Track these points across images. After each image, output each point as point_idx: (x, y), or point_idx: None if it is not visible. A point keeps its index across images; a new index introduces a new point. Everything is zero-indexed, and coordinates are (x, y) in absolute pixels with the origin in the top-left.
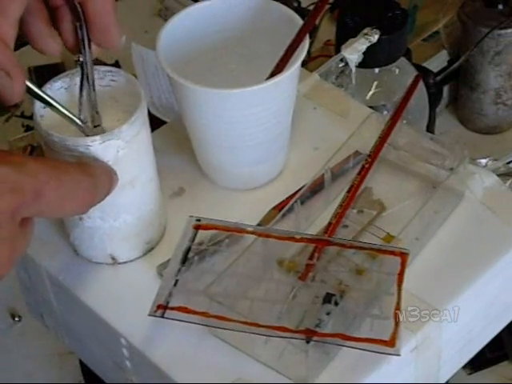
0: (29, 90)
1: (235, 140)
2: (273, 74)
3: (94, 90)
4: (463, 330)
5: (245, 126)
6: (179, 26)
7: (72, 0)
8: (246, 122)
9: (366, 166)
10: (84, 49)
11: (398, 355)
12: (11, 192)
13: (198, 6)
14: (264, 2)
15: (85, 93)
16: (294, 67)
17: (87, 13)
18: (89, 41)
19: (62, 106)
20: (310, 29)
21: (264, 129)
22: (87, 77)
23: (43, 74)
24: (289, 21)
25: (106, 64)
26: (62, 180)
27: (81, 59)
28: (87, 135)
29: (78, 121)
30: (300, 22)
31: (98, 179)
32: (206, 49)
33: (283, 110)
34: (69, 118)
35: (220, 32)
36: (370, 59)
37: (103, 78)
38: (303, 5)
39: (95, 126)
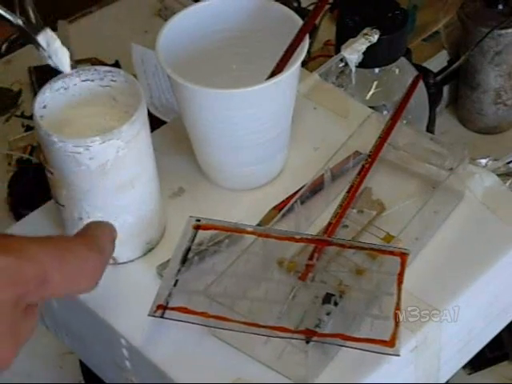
0: None
1: (235, 140)
2: (273, 74)
3: None
4: (463, 329)
5: (245, 126)
6: (179, 26)
7: None
8: (246, 122)
9: (366, 165)
10: None
11: (398, 355)
12: (13, 283)
13: (197, 6)
14: (264, 2)
15: None
16: (294, 67)
17: None
18: None
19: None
20: (309, 29)
21: (264, 129)
22: None
23: (43, 73)
24: (289, 21)
25: (105, 64)
26: (66, 260)
27: None
28: (30, 35)
29: (10, 17)
30: (300, 21)
31: (103, 250)
32: (206, 49)
33: (283, 110)
34: (10, 21)
35: (220, 32)
36: (369, 59)
37: (103, 78)
38: (303, 5)
39: (37, 29)
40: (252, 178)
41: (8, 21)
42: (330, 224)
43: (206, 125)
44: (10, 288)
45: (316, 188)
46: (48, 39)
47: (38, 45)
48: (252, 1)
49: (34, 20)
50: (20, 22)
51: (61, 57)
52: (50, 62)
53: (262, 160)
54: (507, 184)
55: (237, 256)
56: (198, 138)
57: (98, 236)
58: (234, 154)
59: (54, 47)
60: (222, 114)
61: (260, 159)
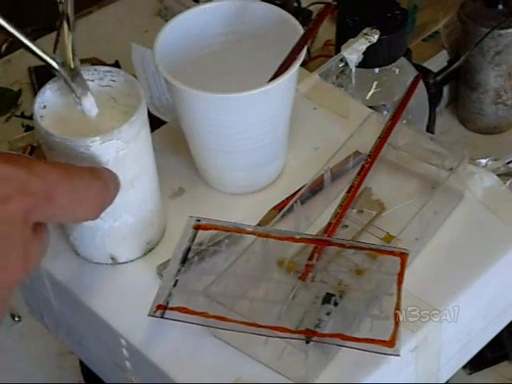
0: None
1: (231, 144)
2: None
3: (73, 30)
4: (463, 330)
5: (240, 131)
6: (177, 29)
7: None
8: (242, 127)
9: (366, 166)
10: None
11: (398, 355)
12: (22, 194)
13: (196, 9)
14: (264, 6)
15: (63, 35)
16: (290, 74)
17: None
18: None
19: (36, 46)
20: (311, 36)
21: (260, 134)
22: (67, 17)
23: (43, 74)
24: (287, 25)
25: (105, 64)
26: (73, 183)
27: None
28: (63, 78)
29: (51, 61)
30: (299, 26)
31: (107, 183)
32: (205, 52)
33: (280, 115)
34: (41, 57)
35: (218, 35)
36: (370, 59)
37: (103, 78)
38: (303, 5)
39: (72, 70)
40: (248, 182)
41: (41, 59)
42: (329, 224)
43: (201, 128)
44: (19, 198)
45: (316, 188)
46: (82, 86)
47: (70, 87)
48: (251, 4)
49: (71, 62)
50: (56, 65)
51: (87, 103)
52: (78, 106)
53: (258, 165)
54: (507, 184)
55: (237, 256)
56: (195, 141)
57: (103, 171)
58: (230, 157)
59: (84, 93)
60: (217, 117)
61: (256, 164)
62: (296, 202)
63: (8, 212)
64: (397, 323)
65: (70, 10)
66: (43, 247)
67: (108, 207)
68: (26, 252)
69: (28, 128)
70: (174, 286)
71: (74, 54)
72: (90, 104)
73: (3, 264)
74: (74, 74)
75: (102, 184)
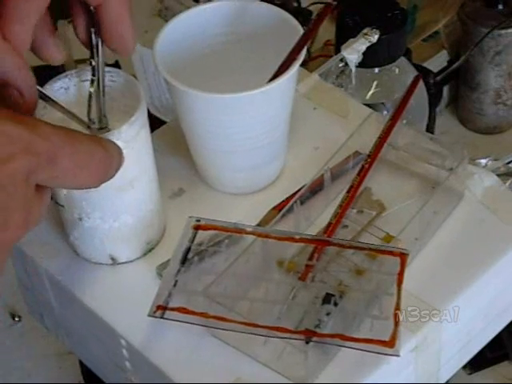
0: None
1: (229, 144)
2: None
3: (103, 94)
4: (463, 329)
5: (239, 131)
6: (177, 29)
7: (88, 6)
8: (240, 127)
9: (366, 166)
10: (97, 55)
11: (398, 355)
12: (25, 153)
13: (196, 9)
14: (264, 6)
15: (94, 96)
16: (288, 75)
17: (102, 21)
18: (102, 45)
19: (73, 112)
20: (311, 36)
21: (259, 134)
22: (98, 81)
23: (43, 73)
24: (288, 25)
25: (106, 64)
26: (76, 147)
27: (93, 63)
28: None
29: (86, 122)
30: (299, 26)
31: (110, 152)
32: (205, 52)
33: (279, 116)
34: (79, 119)
35: (219, 35)
36: (369, 59)
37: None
38: (303, 5)
39: (101, 128)
40: (248, 182)
41: (78, 120)
42: (329, 224)
43: (201, 128)
44: (22, 156)
45: (316, 188)
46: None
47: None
48: (252, 5)
49: (101, 125)
50: (88, 123)
51: None
52: None
53: (258, 165)
54: (507, 184)
55: (237, 256)
56: (194, 141)
57: (107, 141)
58: (229, 158)
59: None
60: (217, 118)
61: (256, 164)
62: (296, 202)
63: (12, 170)
64: (397, 323)
65: (101, 77)
66: (44, 208)
67: (110, 179)
68: (27, 211)
69: None
70: (174, 286)
71: (104, 115)
72: None
73: (6, 222)
74: (103, 131)
75: (104, 152)
